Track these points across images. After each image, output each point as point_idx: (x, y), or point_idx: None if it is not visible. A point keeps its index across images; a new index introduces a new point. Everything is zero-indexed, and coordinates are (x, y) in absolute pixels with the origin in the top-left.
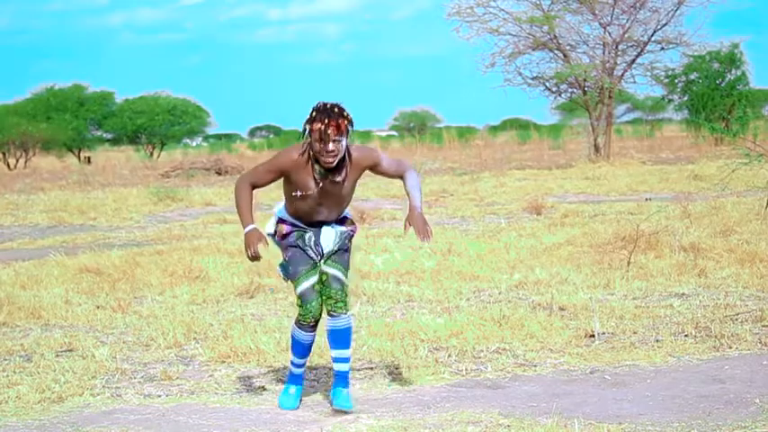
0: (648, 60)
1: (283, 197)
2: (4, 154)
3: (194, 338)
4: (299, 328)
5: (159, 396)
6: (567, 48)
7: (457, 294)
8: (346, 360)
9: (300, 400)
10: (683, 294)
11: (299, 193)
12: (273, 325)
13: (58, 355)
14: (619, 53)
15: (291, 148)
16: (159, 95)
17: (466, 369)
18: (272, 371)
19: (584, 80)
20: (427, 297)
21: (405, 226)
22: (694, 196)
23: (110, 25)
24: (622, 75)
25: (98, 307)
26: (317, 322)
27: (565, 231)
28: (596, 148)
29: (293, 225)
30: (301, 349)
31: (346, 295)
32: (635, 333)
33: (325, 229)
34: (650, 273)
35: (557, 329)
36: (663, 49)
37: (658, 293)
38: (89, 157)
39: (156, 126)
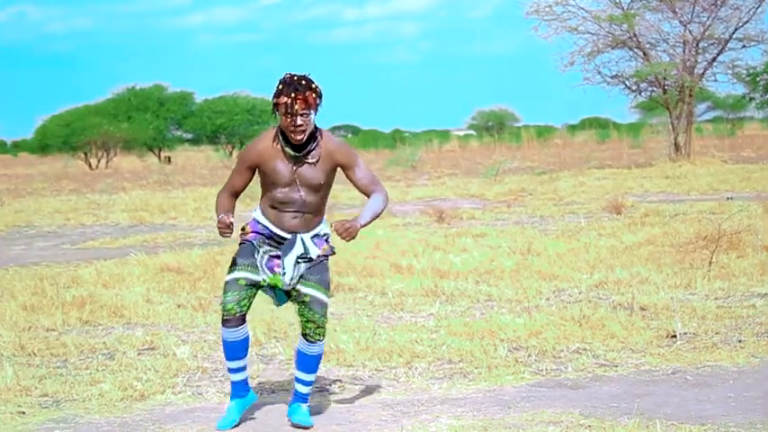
0: (730, 58)
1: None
2: (85, 154)
3: (274, 337)
4: (222, 325)
5: None
6: (647, 46)
7: (536, 294)
8: (309, 384)
9: (242, 415)
10: (766, 294)
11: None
12: (353, 324)
13: (139, 354)
14: (699, 51)
15: (255, 141)
16: (238, 95)
17: (546, 369)
18: (352, 370)
19: (665, 79)
20: (506, 297)
21: (332, 225)
22: None
23: (189, 26)
24: (703, 73)
25: (179, 306)
26: (239, 321)
27: (645, 231)
28: (677, 147)
29: (265, 229)
30: (229, 350)
31: (326, 320)
32: (717, 333)
33: (291, 254)
34: (732, 272)
35: (638, 329)
36: (744, 46)
37: (740, 293)
38: (169, 157)
39: (236, 126)
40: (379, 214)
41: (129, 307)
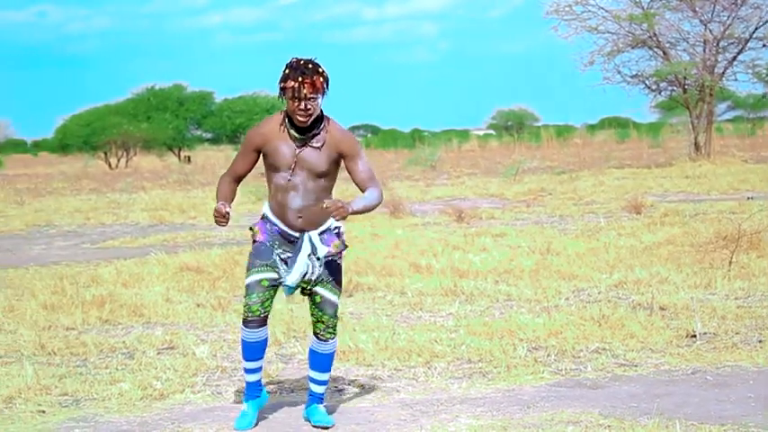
0: (750, 58)
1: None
2: (105, 153)
3: (294, 337)
4: (243, 325)
5: None
6: (667, 45)
7: (556, 294)
8: (324, 383)
9: (258, 415)
10: None
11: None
12: (372, 323)
13: (159, 353)
14: (719, 50)
15: (261, 123)
16: (258, 95)
17: (565, 369)
18: (371, 369)
19: (685, 78)
20: (526, 296)
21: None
22: None
23: (208, 26)
24: (723, 72)
25: (198, 305)
26: (261, 322)
27: (665, 230)
28: (697, 147)
29: (274, 226)
30: (248, 351)
31: (337, 320)
32: (737, 333)
33: (301, 253)
34: (752, 272)
35: (657, 329)
36: (765, 46)
37: (761, 293)
38: (189, 157)
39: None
40: (371, 208)
41: (149, 306)
